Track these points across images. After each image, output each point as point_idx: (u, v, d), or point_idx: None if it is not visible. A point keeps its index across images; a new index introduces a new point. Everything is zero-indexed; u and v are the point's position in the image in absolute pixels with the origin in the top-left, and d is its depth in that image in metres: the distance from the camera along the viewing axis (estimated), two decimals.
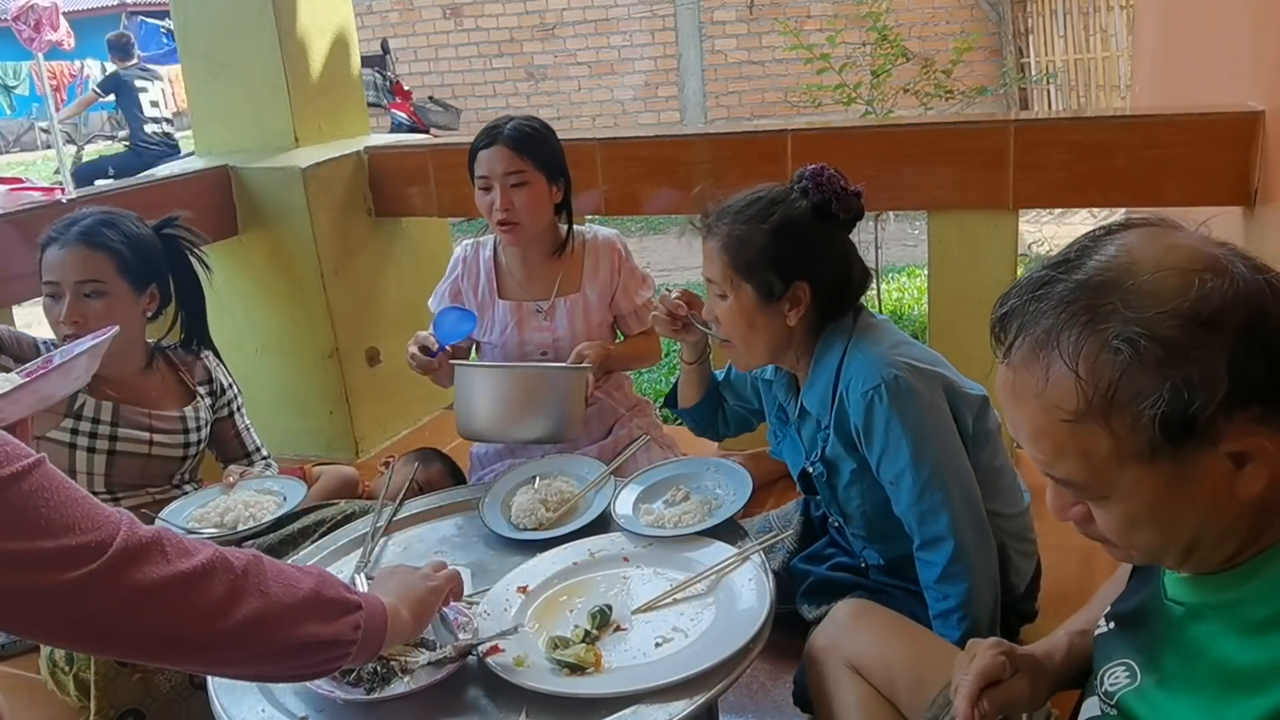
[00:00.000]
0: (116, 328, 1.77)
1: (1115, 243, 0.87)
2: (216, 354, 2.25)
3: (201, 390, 2.14)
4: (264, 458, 2.25)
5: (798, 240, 1.59)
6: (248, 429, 2.23)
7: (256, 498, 1.86)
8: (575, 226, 2.33)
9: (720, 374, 1.97)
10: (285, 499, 1.86)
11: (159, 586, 0.95)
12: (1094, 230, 0.91)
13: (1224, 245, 0.85)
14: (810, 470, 1.71)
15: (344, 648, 1.13)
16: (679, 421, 4.03)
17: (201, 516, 1.80)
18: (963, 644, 1.44)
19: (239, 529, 1.75)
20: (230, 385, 2.20)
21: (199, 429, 2.10)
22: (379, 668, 1.33)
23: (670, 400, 2.03)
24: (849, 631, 1.44)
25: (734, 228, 1.61)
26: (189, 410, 2.09)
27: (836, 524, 1.79)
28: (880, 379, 1.51)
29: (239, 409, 2.21)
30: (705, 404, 1.96)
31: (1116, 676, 0.98)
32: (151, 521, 1.91)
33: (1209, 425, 0.80)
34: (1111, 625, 1.05)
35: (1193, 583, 0.92)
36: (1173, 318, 0.79)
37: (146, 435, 2.01)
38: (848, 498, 1.68)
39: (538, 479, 1.87)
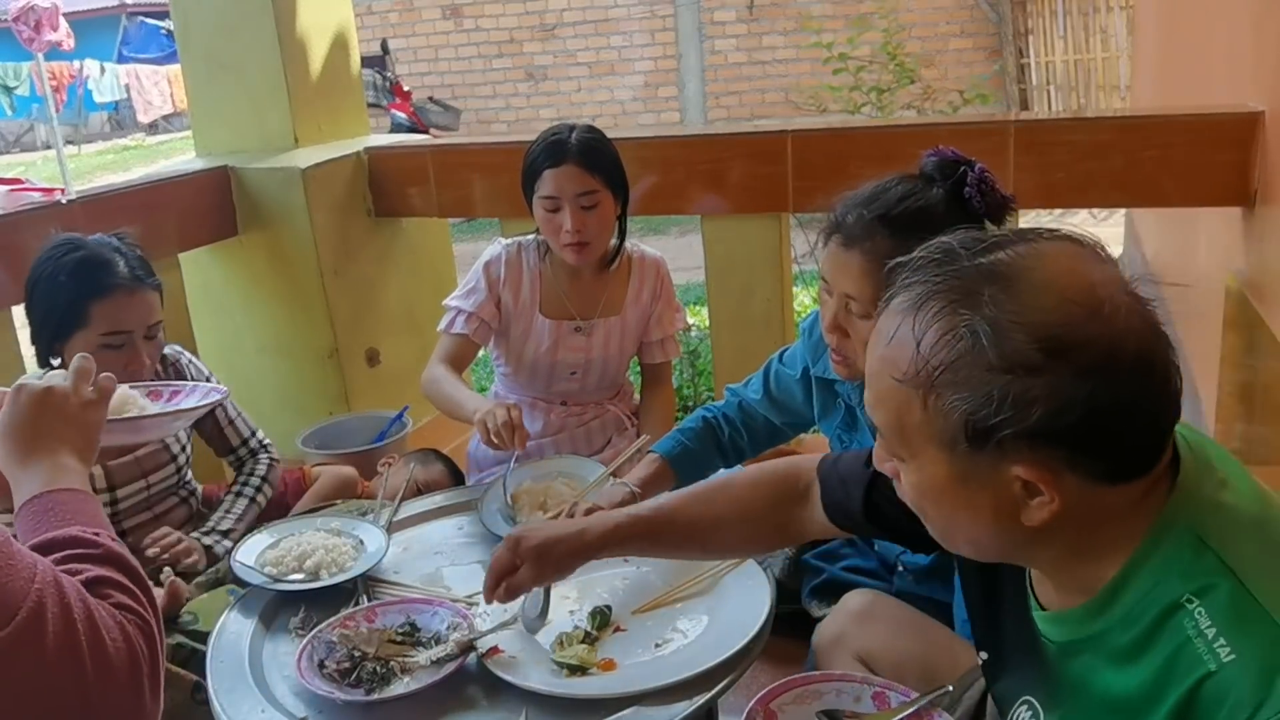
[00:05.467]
0: (227, 390, 1.73)
1: (1035, 245, 0.86)
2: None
3: None
4: (263, 444, 2.20)
5: None
6: (232, 422, 2.16)
7: (332, 540, 1.70)
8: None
9: (754, 389, 1.83)
10: (363, 543, 1.70)
11: None
12: (1024, 229, 0.90)
13: (1136, 298, 0.83)
14: None
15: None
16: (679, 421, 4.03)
17: (279, 560, 1.65)
18: None
19: (321, 576, 1.60)
20: (207, 379, 2.10)
21: (183, 447, 2.06)
22: (379, 668, 1.33)
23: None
24: (858, 623, 1.44)
25: (888, 244, 1.40)
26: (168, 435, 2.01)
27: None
28: None
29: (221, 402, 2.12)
30: (697, 472, 1.77)
31: (1022, 716, 1.00)
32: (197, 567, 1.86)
33: (1008, 444, 0.81)
34: (985, 655, 1.08)
35: (1055, 620, 0.94)
36: (1022, 331, 0.79)
37: (143, 482, 1.97)
38: None
39: (537, 481, 1.86)
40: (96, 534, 0.97)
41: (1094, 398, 0.78)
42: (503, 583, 1.31)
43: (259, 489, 2.16)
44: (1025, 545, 0.88)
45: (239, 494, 2.14)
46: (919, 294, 0.85)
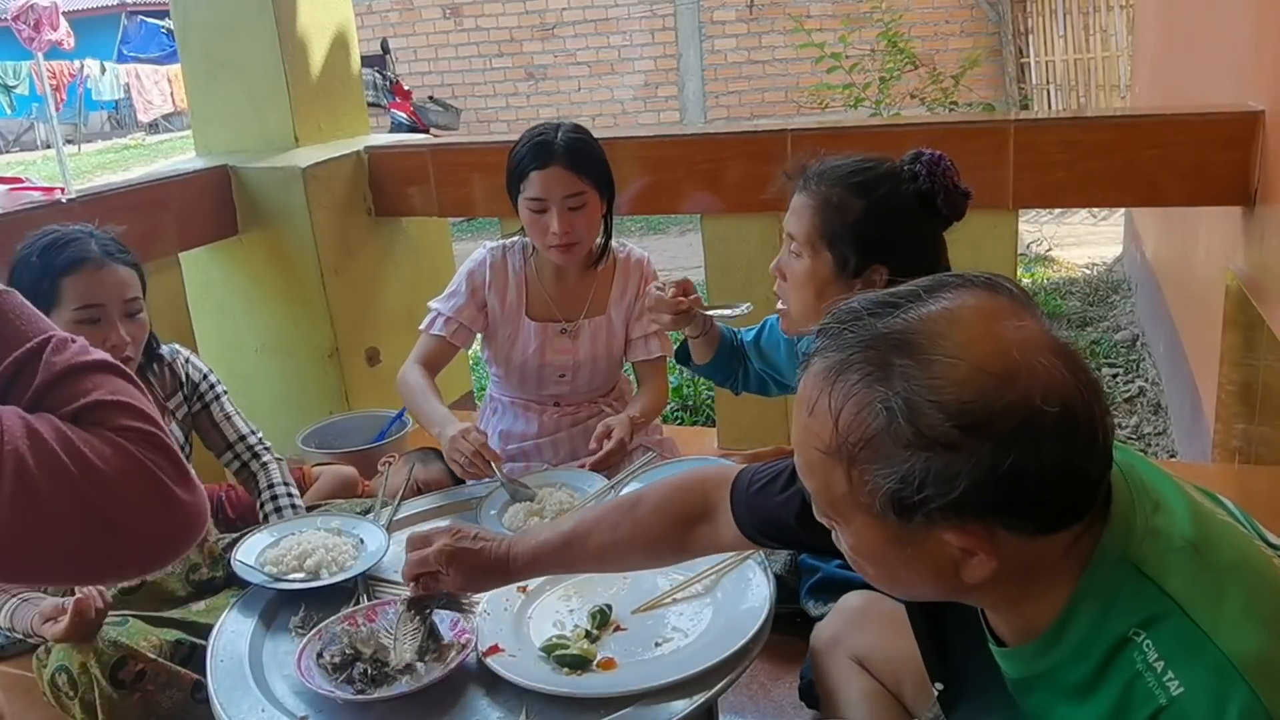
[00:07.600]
0: None
1: (945, 301, 0.84)
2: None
3: (173, 402, 2.03)
4: (251, 449, 2.11)
5: (892, 222, 1.53)
6: (228, 419, 2.10)
7: (332, 539, 1.70)
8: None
9: (749, 332, 1.98)
10: (363, 542, 1.71)
11: None
12: (941, 277, 0.87)
13: (1056, 352, 0.80)
14: None
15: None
16: (678, 422, 4.03)
17: (279, 559, 1.65)
18: None
19: (321, 575, 1.60)
20: (205, 377, 2.08)
21: (180, 446, 2.03)
22: (369, 668, 1.33)
23: (682, 357, 2.06)
24: (855, 625, 1.44)
25: (832, 190, 1.55)
26: None
27: None
28: None
29: (217, 398, 2.09)
30: (718, 363, 2.00)
31: None
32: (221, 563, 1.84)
33: (936, 515, 0.80)
34: (939, 687, 1.08)
35: (1009, 656, 0.94)
36: (937, 410, 0.77)
37: None
38: None
39: (537, 492, 1.84)
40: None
41: (1017, 466, 0.77)
42: (420, 577, 1.36)
43: (290, 495, 2.06)
44: (968, 594, 0.88)
45: (278, 509, 2.03)
46: (834, 363, 0.83)
